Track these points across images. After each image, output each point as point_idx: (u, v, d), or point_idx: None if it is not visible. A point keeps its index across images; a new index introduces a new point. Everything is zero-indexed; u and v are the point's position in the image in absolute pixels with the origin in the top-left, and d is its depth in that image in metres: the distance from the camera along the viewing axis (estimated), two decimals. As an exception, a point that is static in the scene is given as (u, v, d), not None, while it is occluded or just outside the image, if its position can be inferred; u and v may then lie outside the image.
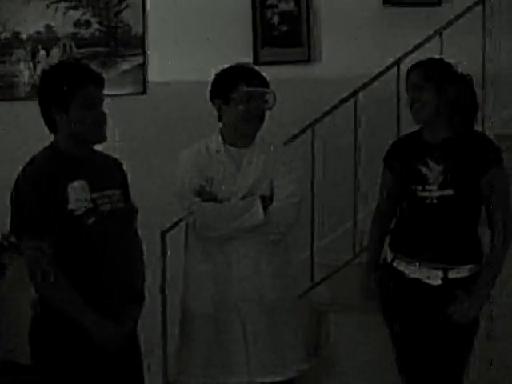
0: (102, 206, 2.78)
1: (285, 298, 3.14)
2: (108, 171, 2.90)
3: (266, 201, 3.06)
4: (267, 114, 3.15)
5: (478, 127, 3.59)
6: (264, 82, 3.12)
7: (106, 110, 2.82)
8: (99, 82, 2.80)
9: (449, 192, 2.99)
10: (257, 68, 3.21)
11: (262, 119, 3.12)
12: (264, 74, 3.16)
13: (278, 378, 3.13)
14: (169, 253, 4.20)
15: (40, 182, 2.68)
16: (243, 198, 3.08)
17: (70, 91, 2.72)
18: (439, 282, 3.02)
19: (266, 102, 3.11)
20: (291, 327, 3.15)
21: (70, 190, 2.70)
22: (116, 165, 2.98)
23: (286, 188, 3.09)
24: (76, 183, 2.72)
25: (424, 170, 3.05)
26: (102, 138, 2.81)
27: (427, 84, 3.02)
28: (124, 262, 2.83)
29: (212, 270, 3.11)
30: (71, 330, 2.70)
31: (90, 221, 2.73)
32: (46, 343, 2.74)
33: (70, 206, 2.69)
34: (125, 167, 3.03)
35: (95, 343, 2.70)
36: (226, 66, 3.20)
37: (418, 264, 3.05)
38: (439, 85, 3.02)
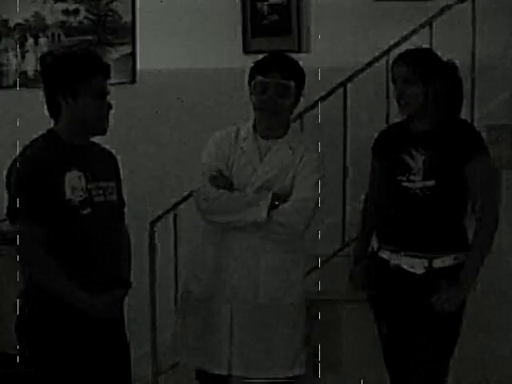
0: (97, 197, 2.80)
1: (281, 299, 3.07)
2: (104, 163, 2.92)
3: (280, 198, 2.99)
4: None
5: (467, 118, 3.60)
6: (286, 74, 3.00)
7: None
8: (107, 74, 2.83)
9: (431, 183, 2.99)
10: (293, 57, 3.14)
11: (275, 112, 3.02)
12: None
13: (262, 376, 3.09)
14: (157, 243, 4.20)
15: (39, 168, 2.69)
16: (258, 189, 3.02)
17: (80, 78, 2.73)
18: (423, 270, 3.02)
19: (284, 94, 3.00)
20: (283, 329, 3.08)
21: (67, 178, 2.72)
22: (111, 157, 3.00)
23: (301, 191, 3.02)
24: (73, 172, 2.74)
25: (408, 159, 3.05)
26: (103, 131, 2.83)
27: (414, 77, 3.00)
28: (112, 251, 2.87)
29: (214, 255, 3.09)
30: (60, 319, 2.71)
31: (85, 211, 2.75)
32: (33, 333, 2.74)
33: (68, 195, 2.71)
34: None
35: (85, 323, 2.72)
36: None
37: (402, 253, 3.06)
38: (426, 78, 3.00)
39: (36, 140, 2.81)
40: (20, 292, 2.80)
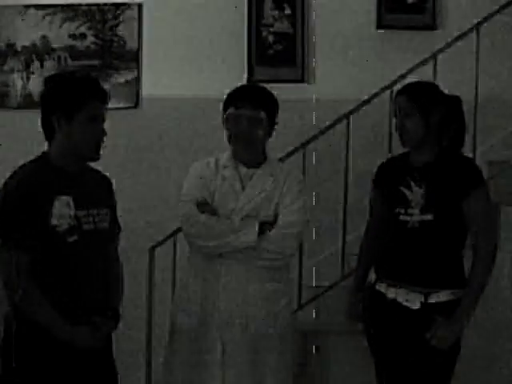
0: (86, 225, 2.74)
1: (272, 327, 3.05)
2: (96, 189, 2.85)
3: (265, 227, 2.99)
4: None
5: (468, 153, 3.61)
6: (257, 105, 3.02)
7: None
8: (105, 99, 2.78)
9: (429, 217, 2.97)
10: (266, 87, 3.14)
11: (250, 143, 3.04)
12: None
13: None
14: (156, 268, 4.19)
15: (26, 193, 2.64)
16: (245, 218, 3.00)
17: (75, 101, 2.68)
18: (418, 305, 3.00)
19: (257, 125, 3.02)
20: (271, 358, 3.05)
21: (55, 205, 2.66)
22: (105, 182, 2.93)
23: (287, 216, 3.02)
24: (61, 199, 2.68)
25: (406, 192, 3.04)
26: (96, 156, 2.77)
27: (414, 110, 2.99)
28: (100, 280, 2.79)
29: (200, 285, 3.06)
30: (46, 342, 2.66)
31: (72, 239, 2.69)
32: (19, 356, 2.68)
33: (53, 222, 2.65)
34: (115, 181, 2.98)
35: (68, 351, 2.66)
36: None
37: (398, 286, 3.04)
38: (427, 111, 2.99)
39: (26, 164, 2.77)
40: (6, 314, 2.73)
